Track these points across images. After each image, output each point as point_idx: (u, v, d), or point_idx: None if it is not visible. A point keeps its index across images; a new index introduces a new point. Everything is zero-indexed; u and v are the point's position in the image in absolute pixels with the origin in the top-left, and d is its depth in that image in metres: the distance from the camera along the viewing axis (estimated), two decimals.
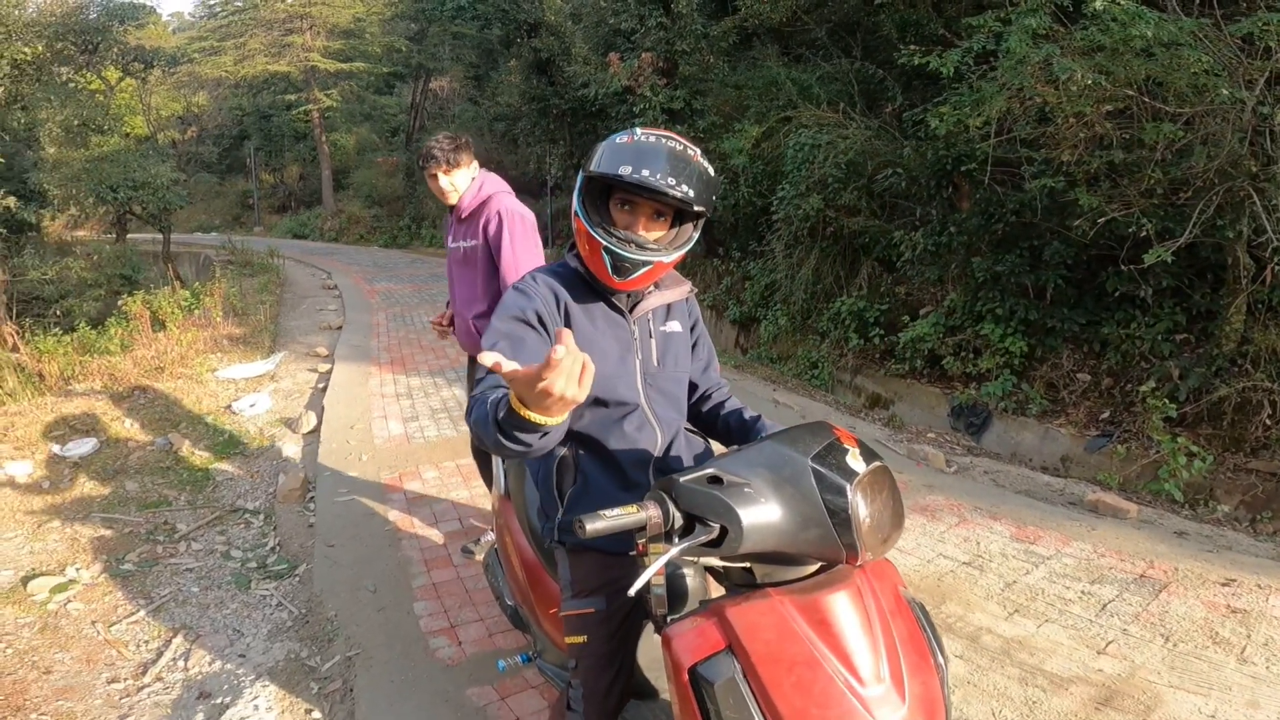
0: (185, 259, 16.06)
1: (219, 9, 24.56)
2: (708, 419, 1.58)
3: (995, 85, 4.27)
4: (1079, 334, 5.03)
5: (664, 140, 1.26)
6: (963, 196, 5.73)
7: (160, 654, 2.36)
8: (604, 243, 1.26)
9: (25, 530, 3.14)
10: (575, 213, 1.32)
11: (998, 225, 5.20)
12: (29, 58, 11.99)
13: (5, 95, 12.01)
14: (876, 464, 1.04)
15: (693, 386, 1.56)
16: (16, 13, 11.56)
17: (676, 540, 0.99)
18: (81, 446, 3.90)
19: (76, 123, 12.54)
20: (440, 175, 2.42)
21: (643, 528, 0.99)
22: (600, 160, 1.25)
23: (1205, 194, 3.78)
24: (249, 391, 5.09)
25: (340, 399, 4.85)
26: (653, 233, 1.30)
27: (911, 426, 5.08)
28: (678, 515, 0.98)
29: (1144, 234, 4.03)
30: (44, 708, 2.11)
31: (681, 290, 1.49)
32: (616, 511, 0.98)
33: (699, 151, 1.28)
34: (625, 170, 1.20)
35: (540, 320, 1.29)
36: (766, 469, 0.99)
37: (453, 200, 2.51)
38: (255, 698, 2.16)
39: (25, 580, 2.74)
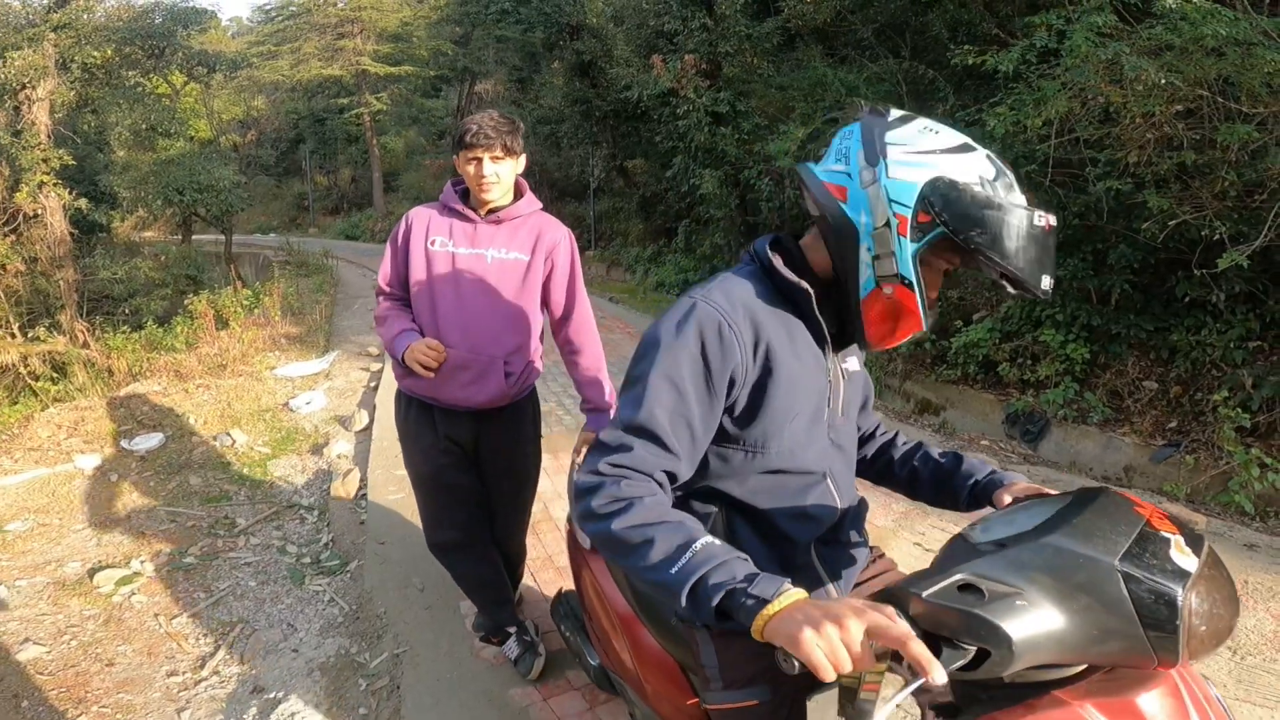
0: (246, 259, 16.68)
1: (275, 13, 25.48)
2: (877, 465, 1.30)
3: (1057, 84, 4.13)
4: (1146, 340, 4.83)
5: (1046, 226, 0.93)
6: None
7: (218, 648, 2.45)
8: (925, 323, 0.98)
9: (93, 523, 3.30)
10: (900, 261, 0.95)
11: (1059, 228, 5.05)
12: (98, 62, 12.55)
13: (76, 99, 12.61)
14: (1206, 551, 0.80)
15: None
16: (86, 17, 12.13)
17: (890, 684, 0.75)
18: (148, 441, 4.08)
19: (144, 126, 13.10)
20: (487, 161, 1.87)
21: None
22: (1006, 240, 0.90)
23: None
24: (305, 389, 5.25)
25: (392, 398, 4.94)
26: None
27: (963, 433, 4.95)
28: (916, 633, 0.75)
29: (1216, 237, 3.85)
30: (105, 700, 2.21)
31: None
32: None
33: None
34: (1045, 281, 0.92)
35: (729, 384, 1.00)
36: (1048, 575, 0.76)
37: (493, 196, 1.92)
38: (306, 693, 2.23)
39: (92, 572, 2.87)
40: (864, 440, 1.31)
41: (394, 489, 3.54)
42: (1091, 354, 4.92)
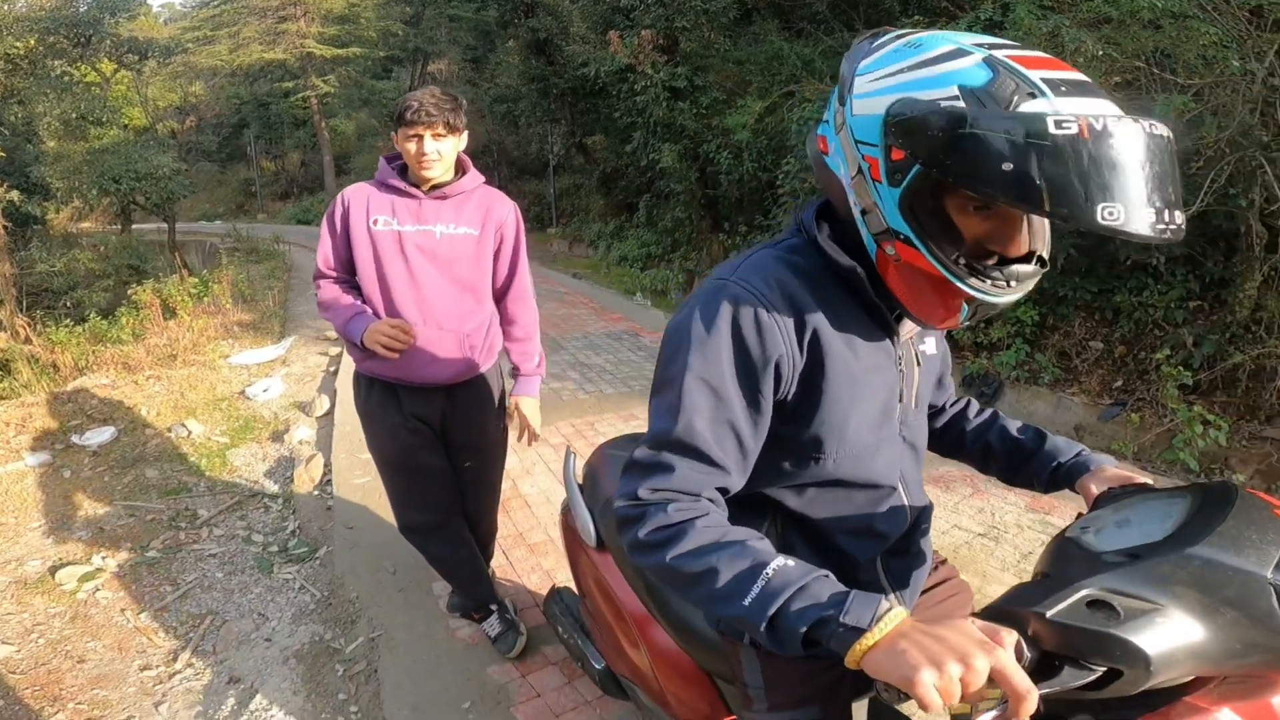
0: (191, 247, 16.10)
1: None
2: (948, 438, 1.15)
3: None
4: (1091, 302, 5.03)
5: (1134, 126, 0.65)
6: None
7: (189, 640, 2.41)
8: (964, 288, 0.76)
9: (50, 520, 3.19)
10: (887, 213, 0.78)
11: None
12: (21, 52, 11.99)
13: (1, 90, 12.00)
14: None
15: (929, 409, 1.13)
16: (6, 7, 11.55)
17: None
18: (100, 435, 3.94)
19: (74, 116, 12.61)
20: (428, 139, 1.81)
21: None
22: (996, 163, 0.65)
23: (1216, 164, 3.77)
24: (261, 376, 5.12)
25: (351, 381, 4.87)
26: (1027, 239, 0.79)
27: None
28: (1031, 655, 0.69)
29: None
30: (80, 697, 2.16)
31: None
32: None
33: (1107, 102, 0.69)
34: (1105, 213, 0.63)
35: (775, 379, 0.84)
36: (1195, 589, 0.69)
37: (434, 174, 1.87)
38: (283, 681, 2.21)
39: (53, 570, 2.79)
40: (934, 414, 1.16)
41: (359, 473, 3.50)
42: (1040, 316, 5.10)
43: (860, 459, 0.91)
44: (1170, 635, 0.67)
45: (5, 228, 10.94)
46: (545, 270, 10.33)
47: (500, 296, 2.11)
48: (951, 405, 1.16)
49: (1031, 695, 0.61)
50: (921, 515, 1.04)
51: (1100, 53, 3.74)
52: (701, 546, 0.79)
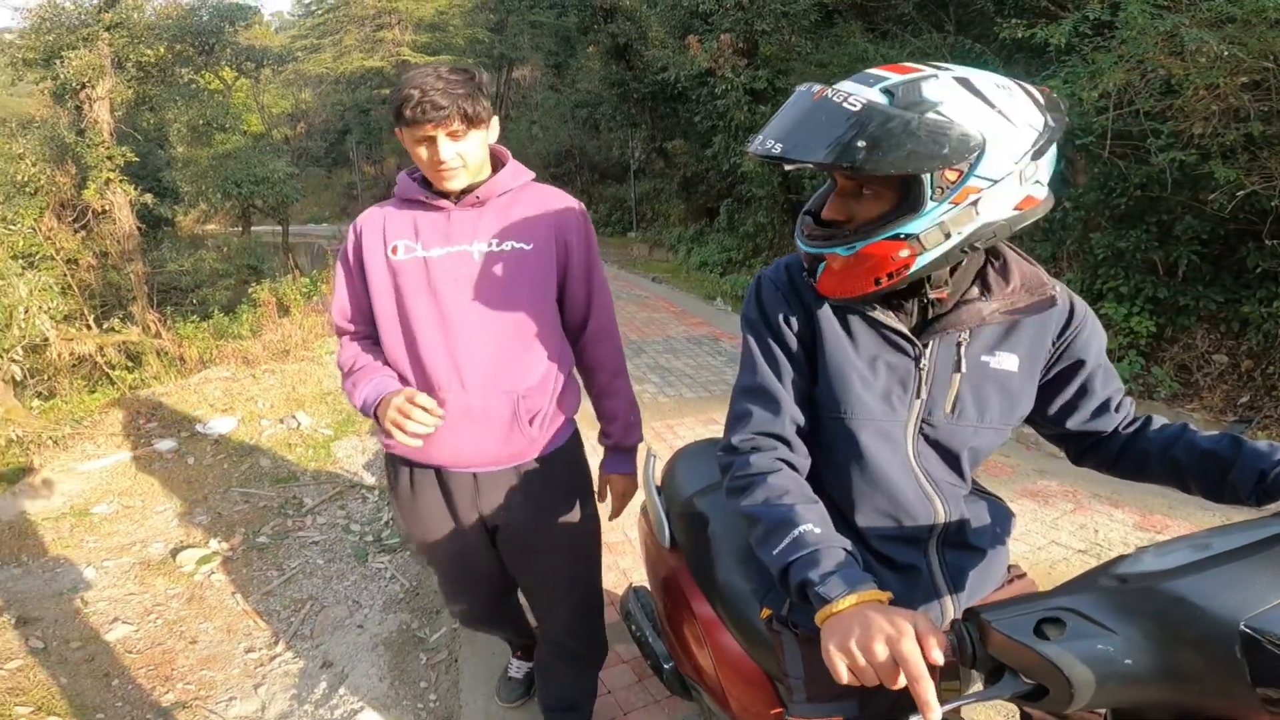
0: (301, 249, 17.19)
1: (314, 6, 25.93)
2: (1128, 461, 1.07)
3: (1112, 57, 4.04)
4: (1215, 313, 4.65)
5: (801, 91, 0.88)
6: (1078, 171, 5.41)
7: (290, 624, 2.60)
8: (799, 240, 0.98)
9: (173, 504, 3.52)
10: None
11: (1120, 200, 4.88)
12: (152, 60, 13.04)
13: (134, 97, 13.13)
14: None
15: (1084, 434, 1.08)
16: (136, 16, 12.58)
17: (976, 681, 0.76)
18: (221, 425, 4.30)
19: (201, 122, 13.56)
20: (443, 140, 1.32)
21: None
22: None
23: None
24: None
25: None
26: (856, 212, 0.90)
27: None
28: (984, 657, 0.73)
29: None
30: (189, 677, 2.33)
31: (1029, 299, 0.95)
32: None
33: (841, 88, 0.85)
34: (754, 141, 0.89)
35: (795, 335, 1.02)
36: (1153, 622, 0.67)
37: (459, 183, 1.38)
38: (371, 667, 2.35)
39: (174, 552, 3.06)
40: (1105, 438, 1.08)
41: None
42: (1158, 327, 4.78)
43: (857, 434, 0.98)
44: (1107, 664, 0.66)
45: (139, 229, 12.06)
46: (625, 274, 10.45)
47: (575, 334, 1.55)
48: (1126, 426, 1.07)
49: (924, 683, 0.67)
50: (981, 518, 1.06)
51: (1225, 53, 3.50)
52: (764, 500, 0.93)
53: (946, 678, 0.78)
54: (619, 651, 2.27)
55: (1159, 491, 3.19)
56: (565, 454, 1.56)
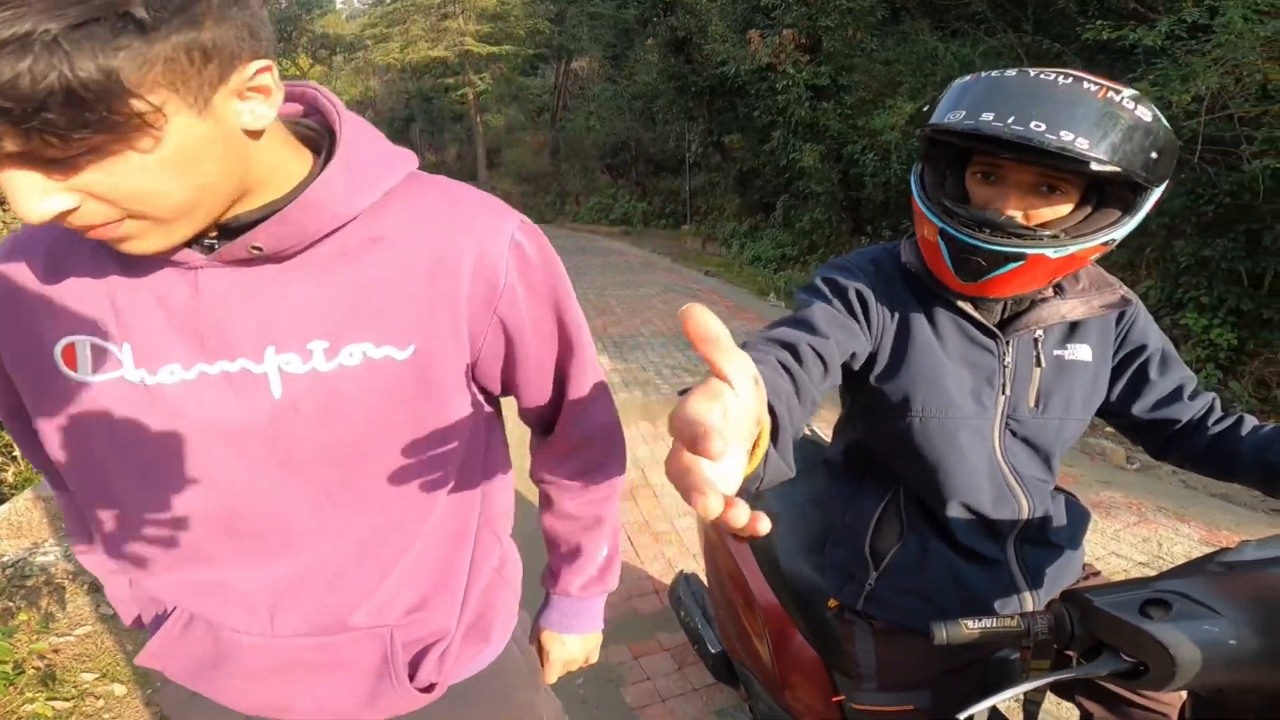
0: None
1: None
2: (1187, 450, 1.07)
3: (1207, 60, 3.93)
4: None
5: (1038, 76, 0.83)
6: None
7: None
8: (940, 225, 0.88)
9: None
10: (911, 186, 0.96)
11: (1208, 207, 4.74)
12: None
13: None
14: None
15: (1156, 423, 1.08)
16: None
17: (1078, 662, 0.77)
18: None
19: None
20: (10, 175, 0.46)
21: (1025, 633, 0.80)
22: (936, 109, 0.89)
23: None
24: None
25: None
26: (1037, 211, 0.87)
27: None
28: (1082, 636, 0.76)
29: None
30: None
31: (1106, 298, 0.99)
32: (988, 622, 0.80)
33: (1123, 91, 0.82)
34: (956, 116, 0.83)
35: (864, 309, 0.98)
36: (1261, 605, 0.68)
37: (136, 244, 0.53)
38: None
39: None
40: (1182, 433, 1.07)
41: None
42: (1239, 340, 4.63)
43: (951, 434, 0.98)
44: (1213, 644, 0.68)
45: None
46: (679, 267, 10.49)
47: (534, 425, 0.92)
48: (1216, 423, 1.04)
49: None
50: (1063, 516, 1.07)
51: None
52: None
53: (1037, 656, 0.80)
54: (660, 639, 2.29)
55: (1225, 507, 3.13)
56: (501, 669, 0.87)
